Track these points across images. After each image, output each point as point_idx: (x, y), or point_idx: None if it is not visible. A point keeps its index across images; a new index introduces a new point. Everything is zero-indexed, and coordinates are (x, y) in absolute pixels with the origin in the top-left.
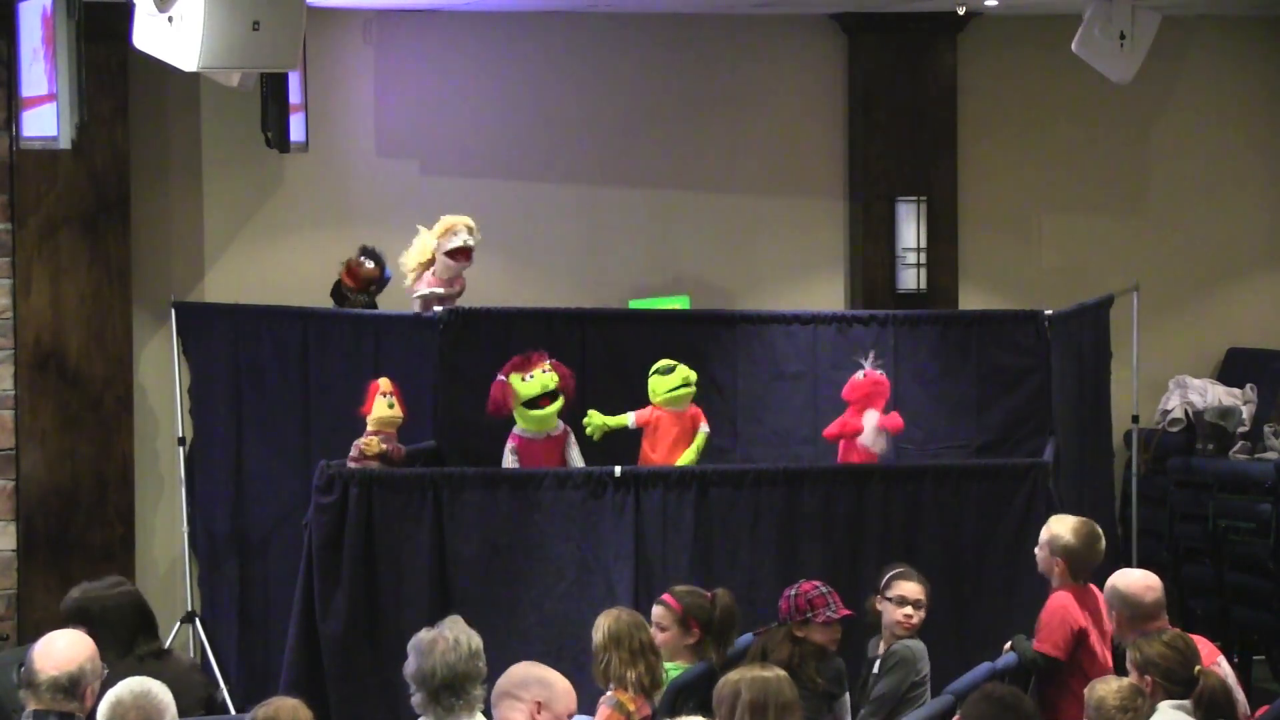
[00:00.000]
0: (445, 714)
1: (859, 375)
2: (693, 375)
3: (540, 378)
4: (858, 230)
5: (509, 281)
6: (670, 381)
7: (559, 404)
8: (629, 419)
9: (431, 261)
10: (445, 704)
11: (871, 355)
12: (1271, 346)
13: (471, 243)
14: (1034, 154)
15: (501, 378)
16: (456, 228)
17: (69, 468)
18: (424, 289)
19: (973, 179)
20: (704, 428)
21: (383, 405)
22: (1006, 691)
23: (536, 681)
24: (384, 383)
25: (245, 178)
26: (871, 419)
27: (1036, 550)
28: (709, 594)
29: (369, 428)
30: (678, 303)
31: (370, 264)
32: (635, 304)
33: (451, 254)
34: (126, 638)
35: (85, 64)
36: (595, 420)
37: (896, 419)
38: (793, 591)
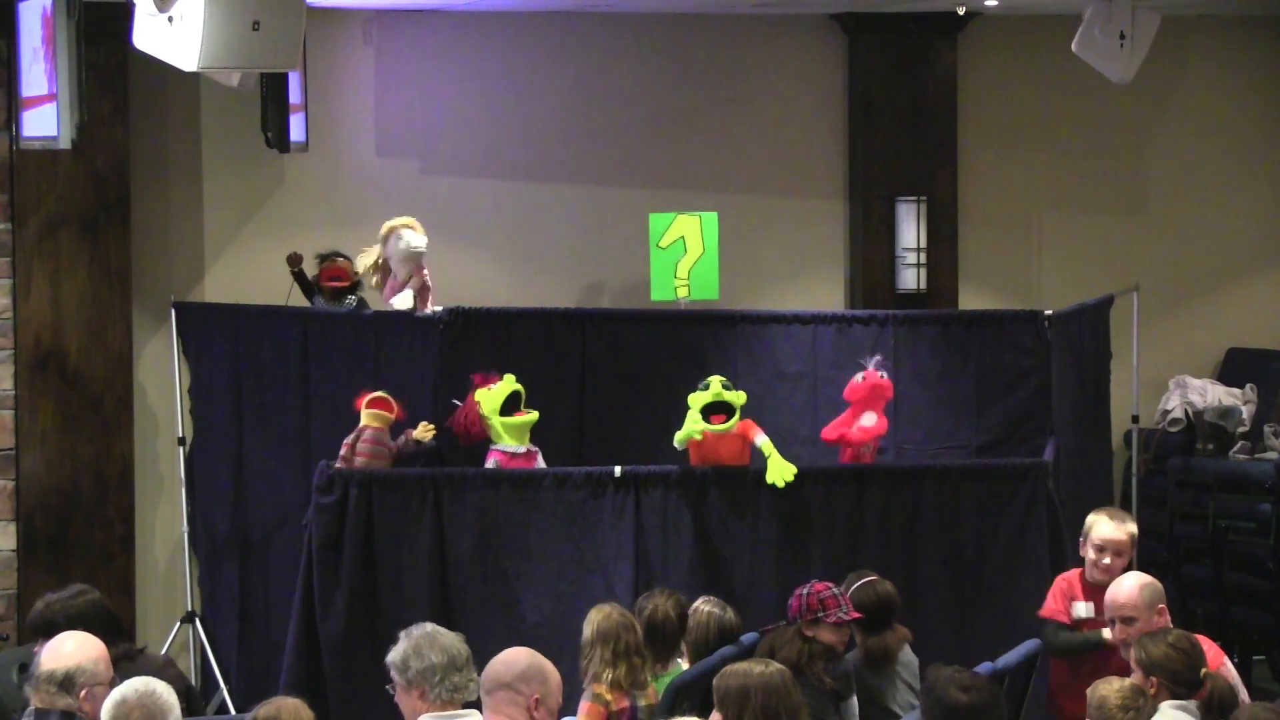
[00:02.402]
0: (456, 690)
1: (858, 377)
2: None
3: (508, 382)
4: (858, 230)
5: (509, 281)
6: (706, 395)
7: (534, 417)
8: (696, 431)
9: (386, 267)
10: (457, 683)
11: (878, 358)
12: (1271, 346)
13: (420, 246)
14: (1034, 154)
15: (467, 399)
16: (398, 230)
17: (69, 468)
18: (398, 302)
19: (973, 179)
20: (760, 438)
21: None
22: (967, 698)
23: (536, 676)
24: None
25: (245, 178)
26: (869, 421)
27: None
28: (654, 601)
29: (363, 418)
30: (704, 219)
31: (342, 259)
32: (655, 221)
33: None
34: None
35: (85, 64)
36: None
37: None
38: (805, 590)
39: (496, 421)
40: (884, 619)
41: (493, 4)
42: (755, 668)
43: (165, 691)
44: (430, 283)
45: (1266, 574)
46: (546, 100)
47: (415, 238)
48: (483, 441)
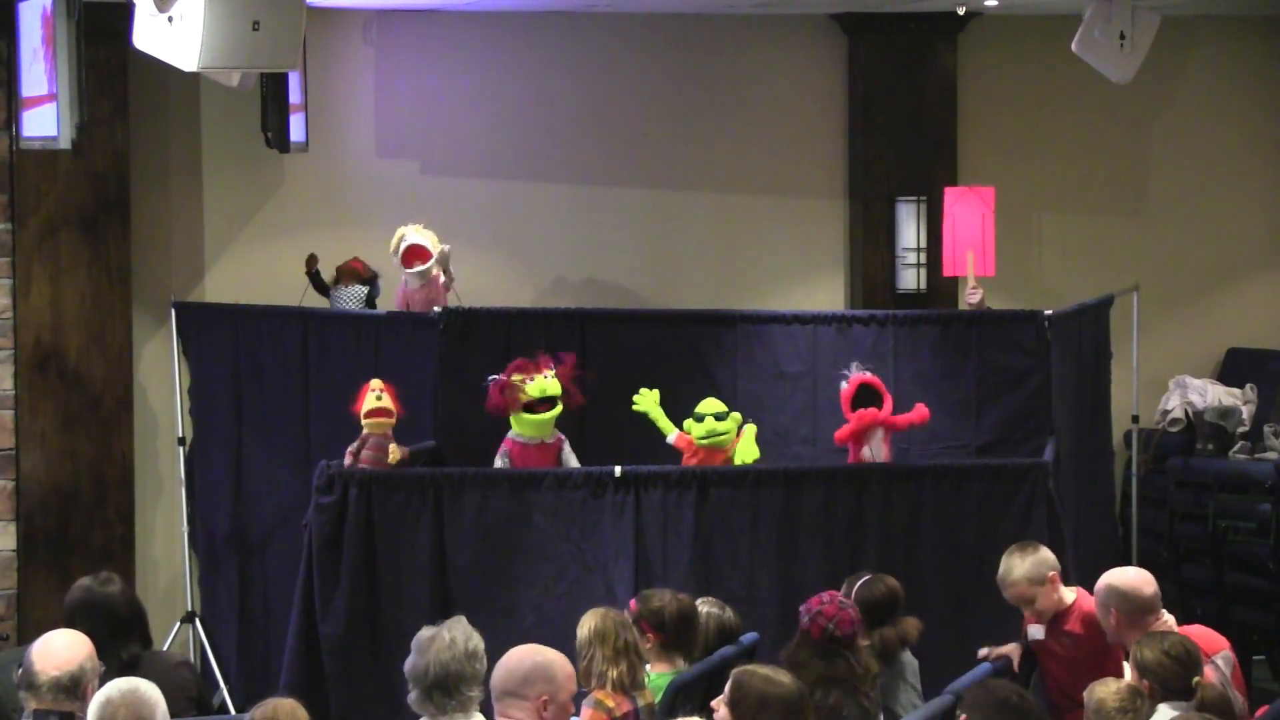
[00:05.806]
0: (438, 712)
1: (845, 384)
2: (722, 427)
3: (540, 382)
4: (858, 230)
5: (509, 281)
6: (701, 429)
7: (556, 412)
8: (671, 435)
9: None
10: (437, 702)
11: (855, 366)
12: (1271, 346)
13: (416, 240)
14: (1034, 154)
15: (503, 377)
16: (402, 236)
17: (69, 468)
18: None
19: (973, 179)
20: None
21: (371, 398)
22: (1013, 692)
23: (541, 677)
24: (375, 381)
25: (245, 178)
26: (875, 436)
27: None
28: (670, 597)
29: (364, 426)
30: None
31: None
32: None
33: (404, 261)
34: (113, 635)
35: (85, 64)
36: (647, 400)
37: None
38: (837, 611)
39: (515, 415)
40: (892, 612)
41: (493, 4)
42: (780, 678)
43: (149, 688)
44: (441, 274)
45: (1266, 574)
46: (546, 100)
47: (419, 269)
48: (489, 432)
